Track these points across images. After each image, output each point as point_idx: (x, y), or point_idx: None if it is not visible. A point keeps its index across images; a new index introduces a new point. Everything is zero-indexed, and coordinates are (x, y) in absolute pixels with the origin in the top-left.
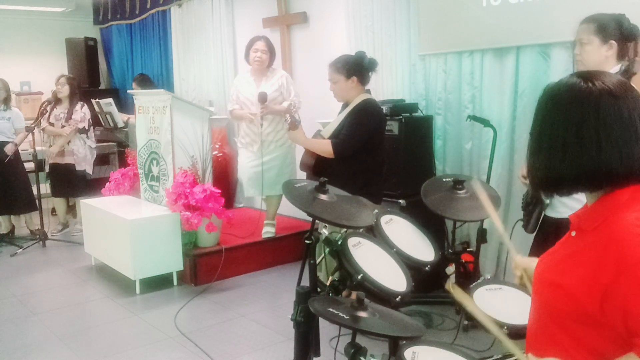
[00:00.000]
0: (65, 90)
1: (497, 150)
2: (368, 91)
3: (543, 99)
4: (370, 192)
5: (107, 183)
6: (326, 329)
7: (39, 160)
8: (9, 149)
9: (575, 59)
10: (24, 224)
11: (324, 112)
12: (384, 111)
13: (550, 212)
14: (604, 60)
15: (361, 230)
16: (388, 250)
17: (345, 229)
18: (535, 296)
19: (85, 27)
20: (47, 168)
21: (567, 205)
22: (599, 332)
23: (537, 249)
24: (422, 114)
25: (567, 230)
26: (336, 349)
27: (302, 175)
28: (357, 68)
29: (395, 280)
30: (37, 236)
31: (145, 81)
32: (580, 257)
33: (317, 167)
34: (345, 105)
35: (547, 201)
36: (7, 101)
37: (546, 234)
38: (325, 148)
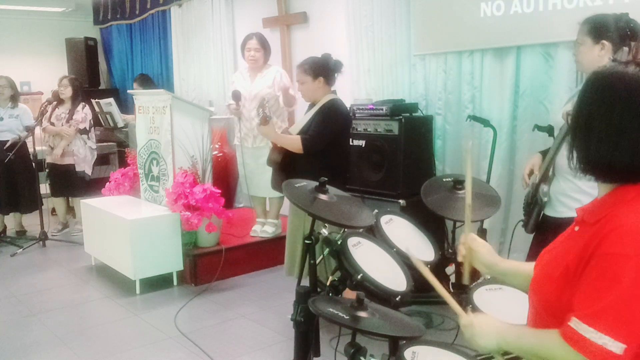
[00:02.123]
0: (68, 92)
1: (497, 150)
2: (334, 92)
3: (595, 83)
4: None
5: (107, 183)
6: (326, 329)
7: (39, 160)
8: (12, 143)
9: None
10: (28, 223)
11: None
12: (384, 111)
13: (550, 212)
14: (597, 60)
15: (361, 230)
16: (388, 250)
17: (344, 229)
18: (532, 293)
19: (85, 27)
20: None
21: (566, 205)
22: None
23: (536, 248)
24: (422, 114)
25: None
26: (336, 349)
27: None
28: (323, 69)
29: (395, 280)
30: (36, 237)
31: (147, 81)
32: (575, 249)
33: (284, 163)
34: (312, 105)
35: (545, 198)
36: (14, 99)
37: (545, 233)
38: (295, 144)
